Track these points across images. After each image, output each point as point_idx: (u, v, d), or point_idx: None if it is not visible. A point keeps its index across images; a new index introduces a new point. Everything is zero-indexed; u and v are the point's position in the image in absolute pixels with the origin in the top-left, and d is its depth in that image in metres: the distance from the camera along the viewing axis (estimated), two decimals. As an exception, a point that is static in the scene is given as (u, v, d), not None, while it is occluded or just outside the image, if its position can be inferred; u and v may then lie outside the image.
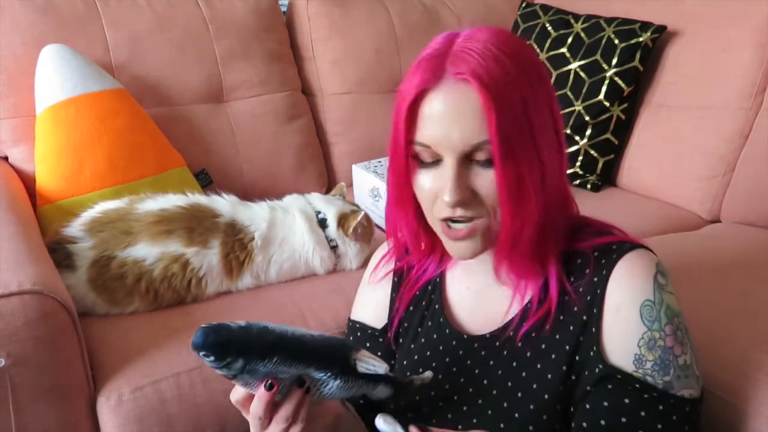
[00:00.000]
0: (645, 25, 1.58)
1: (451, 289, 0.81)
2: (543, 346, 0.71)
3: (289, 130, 1.68)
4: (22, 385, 0.85)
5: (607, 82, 1.61)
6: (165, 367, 0.96)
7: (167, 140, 1.44)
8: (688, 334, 0.68)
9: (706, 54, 1.51)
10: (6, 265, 0.88)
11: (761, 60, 1.40)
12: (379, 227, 1.34)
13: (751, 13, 1.42)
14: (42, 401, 0.87)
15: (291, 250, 1.19)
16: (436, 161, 0.66)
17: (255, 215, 1.19)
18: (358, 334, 0.88)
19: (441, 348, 0.78)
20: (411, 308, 0.83)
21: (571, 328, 0.69)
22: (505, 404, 0.71)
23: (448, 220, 0.67)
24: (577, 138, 1.66)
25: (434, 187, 0.66)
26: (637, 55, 1.58)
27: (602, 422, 0.65)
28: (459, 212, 0.65)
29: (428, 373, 0.70)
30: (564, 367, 0.68)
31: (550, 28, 1.77)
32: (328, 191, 1.55)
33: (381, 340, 0.85)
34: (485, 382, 0.73)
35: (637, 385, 0.65)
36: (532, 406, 0.69)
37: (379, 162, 1.53)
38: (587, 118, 1.63)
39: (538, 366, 0.70)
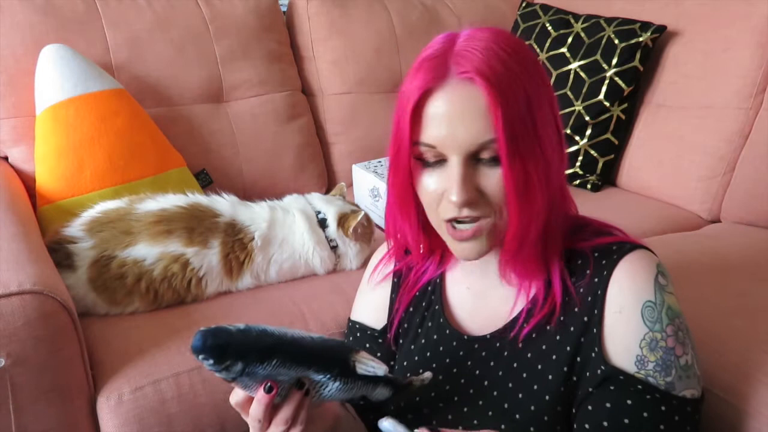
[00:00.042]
0: (645, 25, 1.58)
1: (451, 290, 0.81)
2: (544, 347, 0.71)
3: (289, 130, 1.68)
4: (22, 385, 0.85)
5: (607, 82, 1.61)
6: (165, 367, 0.96)
7: (167, 140, 1.44)
8: (688, 334, 0.68)
9: (706, 54, 1.51)
10: (6, 265, 0.88)
11: (761, 60, 1.40)
12: (379, 227, 1.34)
13: (751, 13, 1.42)
14: (42, 401, 0.87)
15: (291, 250, 1.19)
16: (440, 161, 0.65)
17: (255, 215, 1.19)
18: (358, 334, 0.88)
19: (441, 349, 0.78)
20: (411, 309, 0.83)
21: (572, 329, 0.69)
22: (506, 405, 0.71)
23: (453, 221, 0.67)
24: (577, 138, 1.66)
25: (439, 188, 0.66)
26: (637, 55, 1.58)
27: (605, 423, 0.65)
28: (465, 212, 0.65)
29: (428, 374, 0.70)
30: (565, 368, 0.68)
31: (550, 28, 1.77)
32: (328, 191, 1.55)
33: (381, 340, 0.85)
34: (486, 383, 0.73)
35: (640, 386, 0.65)
36: (533, 407, 0.69)
37: (379, 162, 1.53)
38: (587, 118, 1.63)
39: (539, 367, 0.70)
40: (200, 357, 0.57)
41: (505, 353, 0.73)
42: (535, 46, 1.77)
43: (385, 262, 0.87)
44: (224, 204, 1.19)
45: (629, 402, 0.65)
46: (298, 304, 1.12)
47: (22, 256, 0.93)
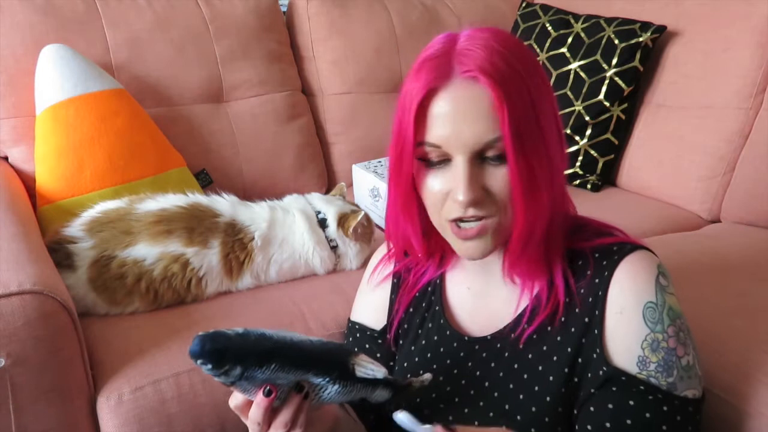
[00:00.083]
0: (645, 25, 1.58)
1: (452, 291, 0.81)
2: (544, 348, 0.71)
3: (289, 130, 1.68)
4: (22, 385, 0.85)
5: (607, 82, 1.61)
6: (165, 367, 0.96)
7: (167, 140, 1.44)
8: (689, 334, 0.68)
9: (706, 54, 1.51)
10: (6, 265, 0.88)
11: (761, 60, 1.40)
12: (379, 227, 1.34)
13: (751, 13, 1.42)
14: (42, 401, 0.87)
15: (291, 250, 1.19)
16: (444, 161, 0.65)
17: (255, 215, 1.19)
18: (358, 335, 0.88)
19: (442, 350, 0.78)
20: (411, 310, 0.83)
21: (573, 329, 0.69)
22: (507, 406, 0.71)
23: (458, 221, 0.67)
24: (577, 138, 1.66)
25: (443, 188, 0.66)
26: (637, 55, 1.58)
27: (607, 424, 0.65)
28: (471, 212, 0.65)
29: (427, 376, 0.70)
30: (566, 369, 0.68)
31: (550, 28, 1.77)
32: (328, 191, 1.55)
33: (380, 341, 0.85)
34: (486, 384, 0.73)
35: (642, 387, 0.65)
36: (533, 408, 0.69)
37: (379, 162, 1.53)
38: (587, 118, 1.63)
39: (540, 368, 0.70)
40: (199, 362, 0.56)
41: (506, 354, 0.73)
42: (535, 46, 1.77)
43: (384, 263, 0.86)
44: (224, 204, 1.19)
45: (631, 403, 0.65)
46: (298, 304, 1.12)
47: (22, 256, 0.93)
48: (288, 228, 1.20)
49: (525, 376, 0.71)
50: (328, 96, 1.79)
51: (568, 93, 1.66)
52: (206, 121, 1.58)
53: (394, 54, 1.82)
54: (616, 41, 1.60)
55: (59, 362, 0.88)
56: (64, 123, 1.29)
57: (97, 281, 1.07)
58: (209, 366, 0.56)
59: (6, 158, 1.39)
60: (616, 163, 1.69)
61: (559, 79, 1.69)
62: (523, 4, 1.90)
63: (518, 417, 0.69)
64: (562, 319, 0.70)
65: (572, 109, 1.65)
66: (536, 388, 0.69)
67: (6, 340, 0.82)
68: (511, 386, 0.71)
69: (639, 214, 1.49)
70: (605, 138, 1.64)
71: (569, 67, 1.68)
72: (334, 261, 1.24)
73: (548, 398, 0.68)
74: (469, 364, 0.75)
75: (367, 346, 0.86)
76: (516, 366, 0.72)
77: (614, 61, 1.60)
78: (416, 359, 0.80)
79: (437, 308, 0.80)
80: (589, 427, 0.66)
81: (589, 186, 1.67)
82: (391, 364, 0.84)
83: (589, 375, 0.67)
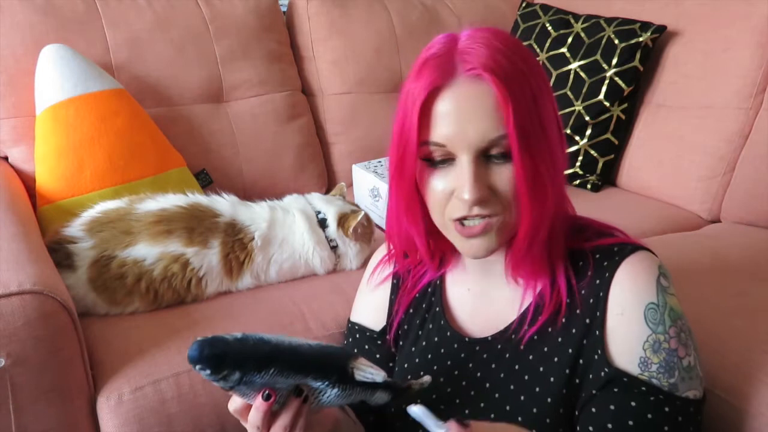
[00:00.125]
0: (645, 25, 1.58)
1: (452, 292, 0.81)
2: (545, 349, 0.70)
3: (289, 130, 1.68)
4: (22, 385, 0.85)
5: (607, 82, 1.61)
6: (165, 367, 0.96)
7: (167, 140, 1.44)
8: (690, 335, 0.68)
9: (706, 54, 1.51)
10: (6, 265, 0.88)
11: (761, 60, 1.40)
12: (379, 227, 1.34)
13: (751, 13, 1.42)
14: (42, 401, 0.87)
15: (291, 250, 1.19)
16: (447, 161, 0.65)
17: (255, 215, 1.18)
18: (357, 336, 0.87)
19: (442, 351, 0.77)
20: (411, 311, 0.83)
21: (574, 330, 0.69)
22: (508, 407, 0.71)
23: (462, 219, 0.66)
24: (577, 138, 1.66)
25: (447, 188, 0.66)
26: (637, 55, 1.58)
27: (609, 426, 0.65)
28: (476, 210, 0.64)
29: (427, 378, 0.70)
30: (567, 370, 0.68)
31: (550, 28, 1.77)
32: (328, 191, 1.55)
33: (380, 342, 0.85)
34: (487, 385, 0.73)
35: (644, 388, 0.65)
36: (534, 410, 0.69)
37: (379, 162, 1.53)
38: (587, 118, 1.63)
39: (541, 369, 0.70)
40: (197, 367, 0.56)
41: (507, 355, 0.73)
42: (535, 46, 1.77)
43: (384, 264, 0.86)
44: (224, 204, 1.19)
45: (633, 404, 0.65)
46: (298, 304, 1.12)
47: (22, 256, 0.93)
48: (288, 228, 1.20)
49: (526, 377, 0.71)
50: (328, 96, 1.78)
51: (568, 93, 1.66)
52: (206, 121, 1.58)
53: (394, 54, 1.82)
54: (616, 41, 1.60)
55: (59, 362, 0.88)
56: (64, 123, 1.29)
57: (97, 281, 1.07)
58: (208, 371, 0.56)
59: (6, 158, 1.39)
60: (616, 163, 1.69)
61: (559, 79, 1.69)
62: (523, 4, 1.90)
63: (519, 418, 0.69)
64: (564, 319, 0.70)
65: (572, 109, 1.65)
66: (537, 389, 0.69)
67: (6, 340, 0.82)
68: (511, 387, 0.71)
69: (639, 214, 1.49)
70: (605, 138, 1.64)
71: (569, 67, 1.68)
72: (334, 261, 1.24)
73: (549, 399, 0.68)
74: (470, 365, 0.75)
75: (366, 346, 0.86)
76: (517, 367, 0.72)
77: (614, 61, 1.60)
78: (417, 360, 0.79)
79: (438, 309, 0.80)
80: (590, 429, 0.66)
81: (589, 186, 1.67)
82: (391, 365, 0.84)
83: (591, 376, 0.67)
